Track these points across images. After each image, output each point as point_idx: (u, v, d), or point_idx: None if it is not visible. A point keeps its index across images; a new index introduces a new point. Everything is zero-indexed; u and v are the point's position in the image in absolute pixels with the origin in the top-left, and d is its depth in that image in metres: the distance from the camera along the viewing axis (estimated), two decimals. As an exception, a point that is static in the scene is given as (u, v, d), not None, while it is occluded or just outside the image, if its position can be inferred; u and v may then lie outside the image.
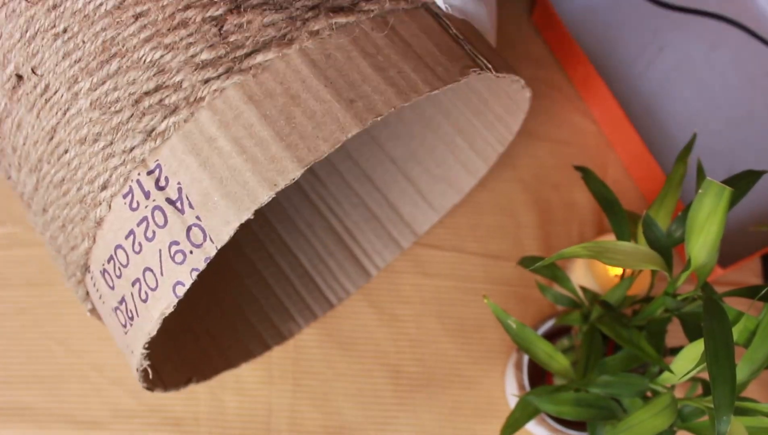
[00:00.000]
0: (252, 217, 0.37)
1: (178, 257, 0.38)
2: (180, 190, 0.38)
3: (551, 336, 0.57)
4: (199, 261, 0.37)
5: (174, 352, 0.54)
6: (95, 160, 0.41)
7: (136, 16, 0.40)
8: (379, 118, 0.37)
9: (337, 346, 0.64)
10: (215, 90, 0.38)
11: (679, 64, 0.72)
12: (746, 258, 0.62)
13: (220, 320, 0.61)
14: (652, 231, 0.43)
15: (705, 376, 0.46)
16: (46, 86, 0.42)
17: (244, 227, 0.37)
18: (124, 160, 0.40)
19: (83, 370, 0.62)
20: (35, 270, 0.65)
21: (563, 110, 0.71)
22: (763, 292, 0.41)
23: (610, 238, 0.62)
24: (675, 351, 0.45)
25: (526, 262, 0.51)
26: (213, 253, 0.37)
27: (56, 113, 0.42)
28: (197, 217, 0.37)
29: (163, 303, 0.38)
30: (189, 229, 0.37)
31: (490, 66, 0.43)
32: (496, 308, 0.44)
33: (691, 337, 0.43)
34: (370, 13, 0.41)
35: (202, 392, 0.62)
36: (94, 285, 0.44)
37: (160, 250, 0.38)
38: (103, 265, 0.42)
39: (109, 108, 0.40)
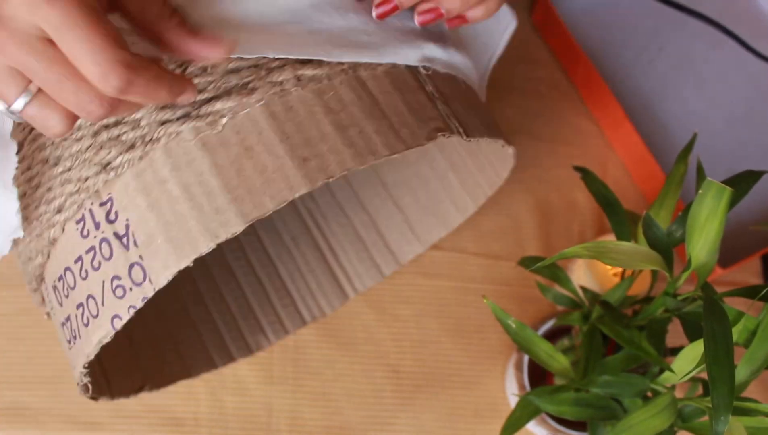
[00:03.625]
0: None
1: (119, 292, 0.38)
2: (128, 226, 0.38)
3: (551, 336, 0.57)
4: (137, 299, 0.37)
5: (129, 358, 0.54)
6: (53, 183, 0.41)
7: None
8: (330, 180, 0.36)
9: (337, 346, 0.64)
10: (171, 132, 0.38)
11: (679, 64, 0.72)
12: (746, 258, 0.62)
13: (185, 326, 0.61)
14: (652, 231, 0.43)
15: (705, 376, 0.46)
16: None
17: None
18: (79, 188, 0.40)
19: (83, 370, 0.62)
20: (35, 270, 0.65)
21: (563, 110, 0.71)
22: (763, 292, 0.41)
23: (610, 238, 0.62)
24: (675, 351, 0.45)
25: (527, 262, 0.51)
26: (151, 294, 0.37)
27: (22, 130, 0.43)
28: (140, 256, 0.37)
29: (102, 332, 0.39)
30: (132, 266, 0.37)
31: (461, 130, 0.41)
32: (496, 308, 0.44)
33: (692, 337, 0.43)
34: (341, 65, 0.40)
35: (202, 392, 0.62)
36: (47, 296, 0.45)
37: (103, 281, 0.39)
38: (54, 282, 0.43)
39: (73, 134, 0.40)
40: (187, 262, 0.36)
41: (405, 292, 0.65)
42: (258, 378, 0.62)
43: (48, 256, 0.43)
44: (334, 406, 0.62)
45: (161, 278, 0.37)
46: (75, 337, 0.41)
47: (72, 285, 0.41)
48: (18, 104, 0.32)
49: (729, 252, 0.63)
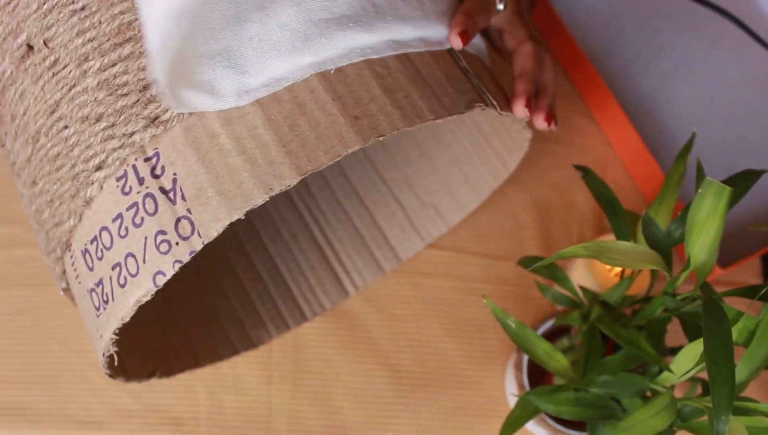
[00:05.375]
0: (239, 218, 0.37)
1: (163, 247, 0.38)
2: (175, 180, 0.38)
3: (551, 336, 0.57)
4: (183, 253, 0.37)
5: (142, 343, 0.54)
6: (94, 140, 0.41)
7: None
8: (381, 138, 0.37)
9: (337, 346, 0.64)
10: None
11: (678, 63, 0.72)
12: (746, 258, 0.62)
13: (191, 317, 0.60)
14: (652, 231, 0.43)
15: (705, 375, 0.46)
16: (56, 60, 0.42)
17: (227, 228, 0.37)
18: (123, 144, 0.40)
19: (83, 370, 0.62)
20: (35, 270, 0.65)
21: (563, 110, 0.71)
22: (763, 291, 0.41)
23: (610, 238, 0.62)
24: (675, 351, 0.45)
25: (526, 262, 0.51)
26: (199, 247, 0.37)
27: (61, 88, 0.42)
28: (188, 210, 0.37)
29: (141, 290, 0.38)
30: (178, 220, 0.37)
31: (494, 103, 0.43)
32: (496, 308, 0.44)
33: (691, 337, 0.43)
34: None
35: (202, 392, 0.62)
36: (73, 264, 0.44)
37: (145, 238, 0.38)
38: (86, 245, 0.42)
39: (116, 90, 0.40)
40: (239, 214, 0.36)
41: (405, 291, 0.65)
42: (258, 377, 0.62)
43: (80, 218, 0.42)
44: (334, 406, 0.62)
45: (211, 231, 0.36)
46: (107, 302, 0.41)
47: (108, 245, 0.40)
48: None
49: (729, 252, 0.63)
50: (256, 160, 0.37)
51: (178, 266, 0.37)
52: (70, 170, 0.42)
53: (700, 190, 0.40)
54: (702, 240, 0.41)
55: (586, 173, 0.49)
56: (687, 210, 0.42)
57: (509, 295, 0.65)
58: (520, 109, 0.45)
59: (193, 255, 0.37)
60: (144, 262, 0.38)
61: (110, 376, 0.45)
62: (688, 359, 0.42)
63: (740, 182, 0.44)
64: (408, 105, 0.39)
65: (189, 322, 0.60)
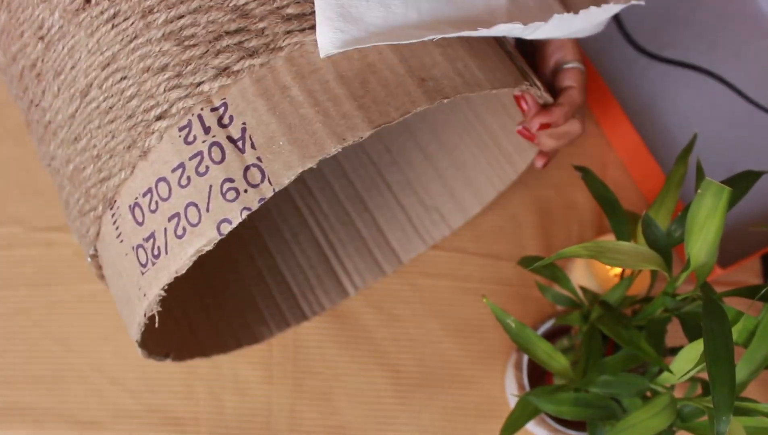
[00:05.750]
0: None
1: (230, 195, 0.38)
2: (244, 130, 0.38)
3: (551, 336, 0.57)
4: (253, 201, 0.37)
5: (158, 328, 0.54)
6: (156, 90, 0.41)
7: None
8: (445, 101, 0.39)
9: (337, 346, 0.64)
10: (296, 43, 0.39)
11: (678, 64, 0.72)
12: (746, 258, 0.62)
13: (199, 307, 0.61)
14: (652, 231, 0.43)
15: (705, 376, 0.46)
16: (116, 13, 0.42)
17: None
18: (189, 93, 0.40)
19: (83, 370, 0.62)
20: (35, 270, 0.65)
21: (563, 110, 0.71)
22: (763, 292, 0.41)
23: (610, 238, 0.62)
24: (675, 351, 0.45)
25: (526, 262, 0.51)
26: (269, 195, 0.37)
27: (121, 40, 0.42)
28: (258, 159, 0.38)
29: (203, 240, 0.38)
30: (247, 168, 0.38)
31: (538, 84, 0.45)
32: (496, 308, 0.44)
33: (691, 337, 0.43)
34: None
35: (202, 392, 0.62)
36: (115, 222, 0.43)
37: (210, 186, 0.38)
38: (136, 198, 0.41)
39: (184, 42, 0.40)
40: (312, 162, 0.37)
41: (405, 292, 0.65)
42: (258, 378, 0.62)
43: (133, 170, 0.42)
44: (334, 406, 0.62)
45: (283, 178, 0.37)
46: (157, 256, 0.40)
47: (165, 196, 0.40)
48: None
49: (729, 252, 0.63)
50: (329, 112, 0.38)
51: (246, 214, 0.37)
52: (126, 121, 0.42)
53: (699, 191, 0.40)
54: (702, 240, 0.41)
55: (586, 173, 0.49)
56: (687, 210, 0.42)
57: (509, 295, 0.65)
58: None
59: (263, 202, 0.37)
60: (207, 210, 0.38)
61: (141, 344, 0.45)
62: (688, 359, 0.42)
63: (740, 182, 0.44)
64: (467, 73, 0.41)
65: (197, 312, 0.60)
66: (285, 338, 0.64)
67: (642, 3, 0.46)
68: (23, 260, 0.65)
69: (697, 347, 0.41)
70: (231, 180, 0.38)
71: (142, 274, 0.41)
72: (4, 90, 0.72)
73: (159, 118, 0.40)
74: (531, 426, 0.56)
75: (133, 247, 0.42)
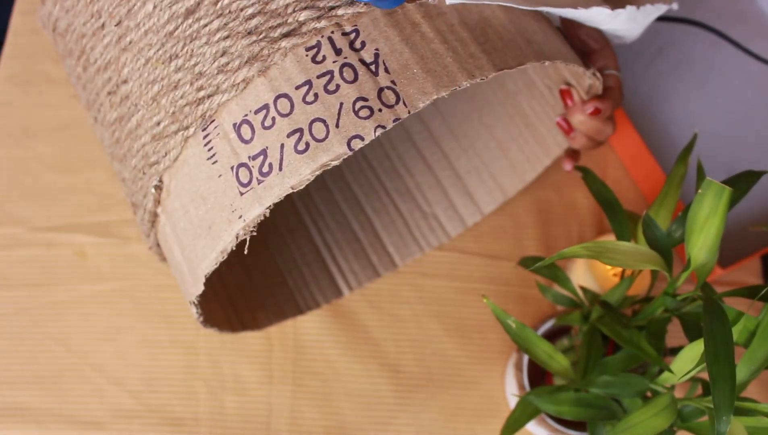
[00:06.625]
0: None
1: (363, 112, 0.38)
2: (377, 55, 0.39)
3: (551, 336, 0.57)
4: (387, 120, 0.38)
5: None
6: (283, 11, 0.41)
7: None
8: (546, 63, 0.42)
9: (338, 346, 0.64)
10: None
11: (678, 64, 0.72)
12: (746, 258, 0.62)
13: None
14: (652, 231, 0.43)
15: (705, 376, 0.46)
16: None
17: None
18: (322, 15, 0.40)
19: (83, 370, 0.62)
20: (35, 270, 0.65)
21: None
22: (763, 292, 0.41)
23: (610, 238, 0.62)
24: (675, 351, 0.45)
25: (526, 262, 0.51)
26: (404, 116, 0.38)
27: None
28: (392, 82, 0.38)
29: (330, 155, 0.38)
30: (381, 90, 0.38)
31: (598, 75, 0.48)
32: (496, 308, 0.44)
33: (691, 337, 0.43)
34: None
35: (202, 392, 0.62)
36: (208, 142, 0.42)
37: (341, 103, 0.38)
38: (245, 115, 0.41)
39: None
40: (445, 91, 0.38)
41: (405, 292, 0.65)
42: (258, 378, 0.62)
43: (246, 87, 0.41)
44: (334, 406, 0.62)
45: (418, 102, 0.38)
46: (266, 174, 0.39)
47: (286, 112, 0.39)
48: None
49: (729, 252, 0.63)
50: (457, 50, 0.39)
51: (380, 132, 0.38)
52: (244, 38, 0.41)
53: (700, 191, 0.40)
54: (702, 240, 0.41)
55: (586, 173, 0.49)
56: (687, 210, 0.42)
57: (509, 295, 0.65)
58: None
59: (397, 122, 0.38)
60: (337, 126, 0.38)
61: (200, 294, 0.44)
62: (688, 359, 0.42)
63: (740, 183, 0.44)
64: (555, 47, 0.44)
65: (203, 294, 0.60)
66: (285, 338, 0.64)
67: (675, 7, 0.50)
68: (23, 260, 0.65)
69: (697, 347, 0.41)
70: (365, 99, 0.38)
71: (241, 194, 0.40)
72: (5, 90, 0.72)
73: (285, 36, 0.40)
74: (531, 426, 0.56)
75: (232, 167, 0.41)
